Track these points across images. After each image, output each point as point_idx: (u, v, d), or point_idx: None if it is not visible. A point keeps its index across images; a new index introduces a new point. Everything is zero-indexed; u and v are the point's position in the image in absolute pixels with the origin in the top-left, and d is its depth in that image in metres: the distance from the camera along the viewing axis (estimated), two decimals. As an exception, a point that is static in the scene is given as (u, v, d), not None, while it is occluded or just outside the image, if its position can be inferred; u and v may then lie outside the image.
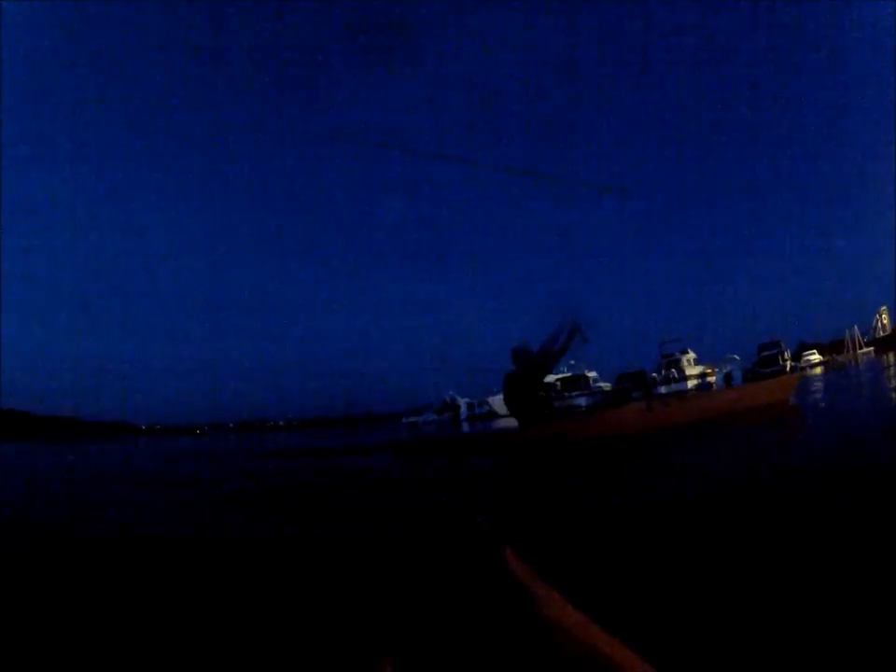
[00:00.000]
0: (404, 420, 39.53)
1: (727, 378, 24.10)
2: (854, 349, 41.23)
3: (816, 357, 33.15)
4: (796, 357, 32.24)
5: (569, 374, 31.33)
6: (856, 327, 45.42)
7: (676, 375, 26.75)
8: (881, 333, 56.62)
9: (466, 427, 20.45)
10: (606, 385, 32.91)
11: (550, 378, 31.12)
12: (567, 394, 28.47)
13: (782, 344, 29.03)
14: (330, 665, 0.93)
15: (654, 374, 27.85)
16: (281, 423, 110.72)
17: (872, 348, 41.09)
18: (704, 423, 5.06)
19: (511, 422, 5.30)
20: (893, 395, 6.55)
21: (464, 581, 0.71)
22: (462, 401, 33.63)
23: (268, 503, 3.10)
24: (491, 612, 0.64)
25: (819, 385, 10.66)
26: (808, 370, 25.16)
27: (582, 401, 27.29)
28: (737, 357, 26.63)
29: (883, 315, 59.32)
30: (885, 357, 29.11)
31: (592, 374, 33.61)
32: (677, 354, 27.23)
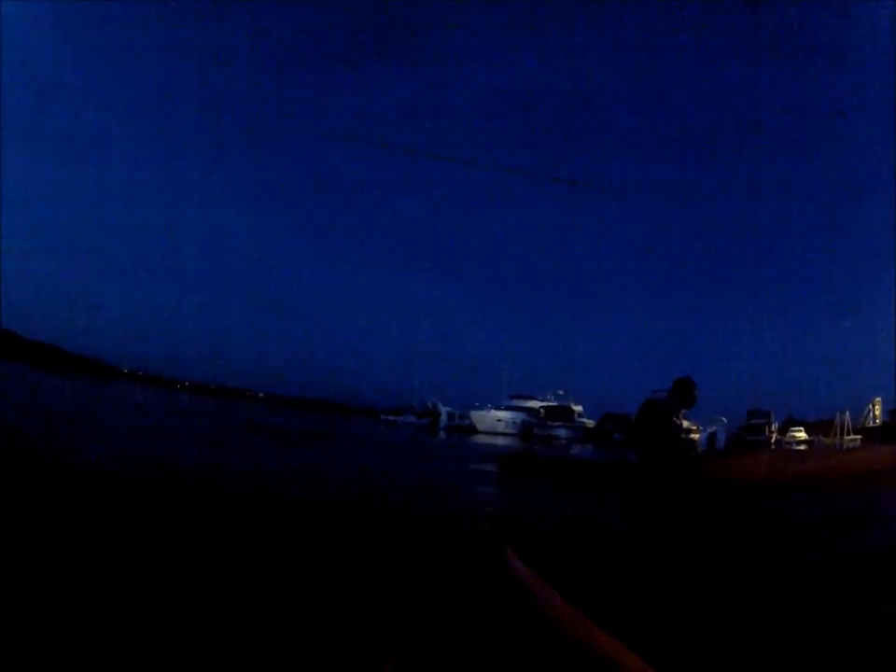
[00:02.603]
0: (382, 417, 39.31)
1: (710, 439, 23.74)
2: (842, 434, 40.98)
3: (802, 434, 32.90)
4: (783, 430, 32.03)
5: (555, 403, 30.92)
6: (847, 412, 45.14)
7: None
8: (871, 423, 56.36)
9: (443, 435, 20.30)
10: (589, 422, 32.53)
11: (535, 404, 30.89)
12: (549, 423, 28.03)
13: (771, 416, 28.85)
14: (332, 664, 0.93)
15: (639, 421, 27.54)
16: (261, 395, 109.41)
17: (859, 436, 40.80)
18: (846, 480, 4.66)
19: (486, 438, 4.88)
20: None
21: (464, 582, 0.71)
22: (444, 410, 33.33)
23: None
24: (491, 612, 0.64)
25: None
26: (794, 446, 24.85)
27: (563, 433, 26.95)
28: (724, 420, 26.27)
29: (876, 406, 59.08)
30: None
31: (578, 408, 33.19)
32: (665, 405, 26.88)
